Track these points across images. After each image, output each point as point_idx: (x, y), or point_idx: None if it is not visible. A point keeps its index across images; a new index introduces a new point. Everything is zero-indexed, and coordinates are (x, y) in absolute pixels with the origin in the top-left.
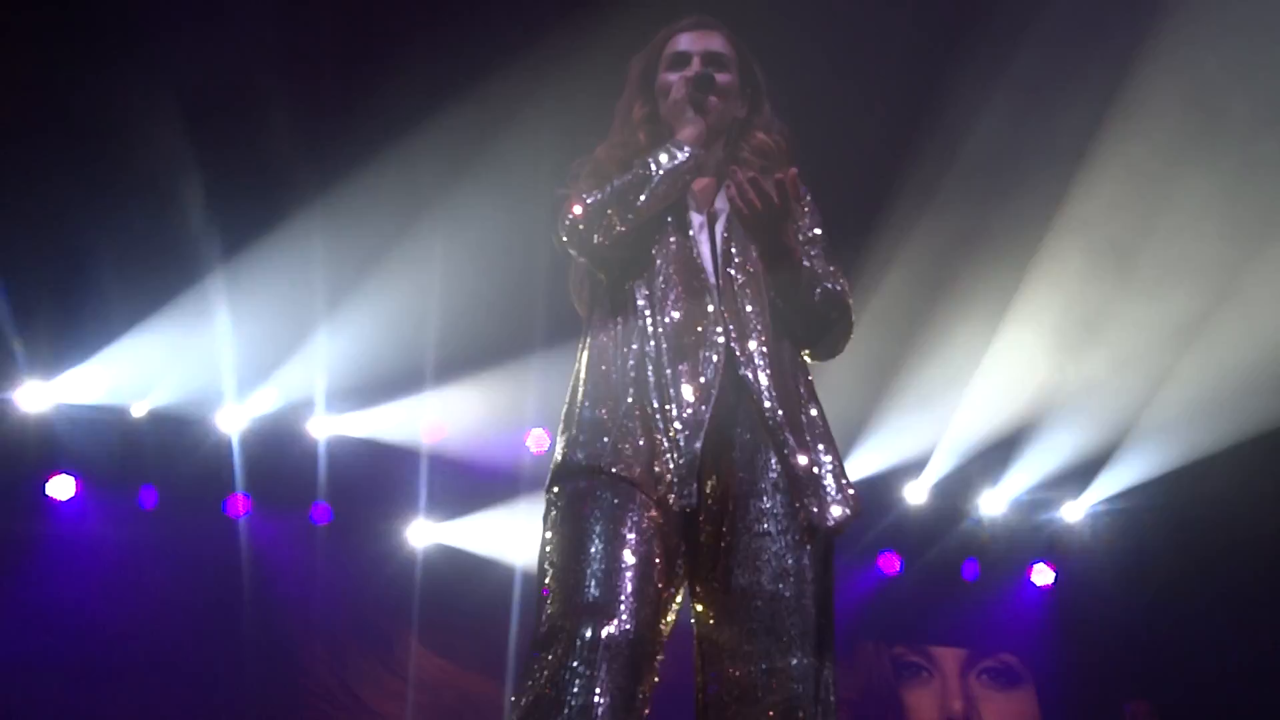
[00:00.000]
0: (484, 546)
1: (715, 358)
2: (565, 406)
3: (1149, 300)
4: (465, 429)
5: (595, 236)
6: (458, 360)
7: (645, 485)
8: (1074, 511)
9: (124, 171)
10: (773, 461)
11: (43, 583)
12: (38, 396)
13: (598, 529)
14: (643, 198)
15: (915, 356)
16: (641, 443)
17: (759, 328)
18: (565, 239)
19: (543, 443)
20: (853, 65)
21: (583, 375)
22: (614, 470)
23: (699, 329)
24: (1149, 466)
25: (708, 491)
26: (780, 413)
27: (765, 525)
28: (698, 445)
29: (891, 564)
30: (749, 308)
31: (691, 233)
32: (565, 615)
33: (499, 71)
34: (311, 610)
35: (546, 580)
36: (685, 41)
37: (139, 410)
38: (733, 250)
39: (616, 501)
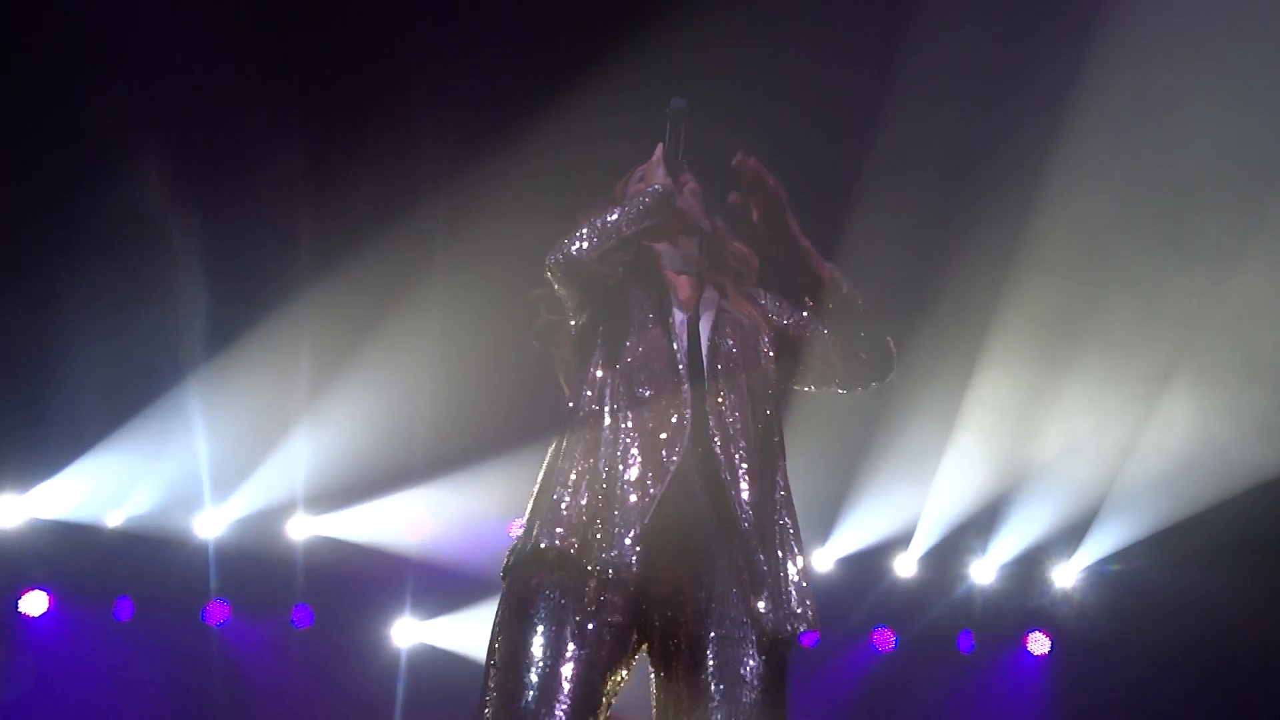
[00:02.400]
0: (470, 645)
1: (677, 450)
2: (540, 481)
3: (1111, 363)
4: (449, 524)
5: (580, 251)
6: (439, 455)
7: (589, 563)
8: (1065, 576)
9: (98, 277)
10: (738, 564)
11: (16, 704)
12: (10, 511)
13: (540, 630)
14: (621, 218)
15: (891, 428)
16: (591, 519)
17: (740, 428)
18: (552, 263)
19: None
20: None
21: (549, 463)
22: (560, 550)
23: (671, 423)
24: (1137, 525)
25: (666, 584)
26: (752, 515)
27: (724, 629)
28: (645, 519)
29: (886, 640)
30: (731, 408)
31: (674, 331)
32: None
33: (483, 160)
34: (293, 715)
35: (490, 680)
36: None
37: (113, 520)
38: (718, 349)
39: (564, 601)
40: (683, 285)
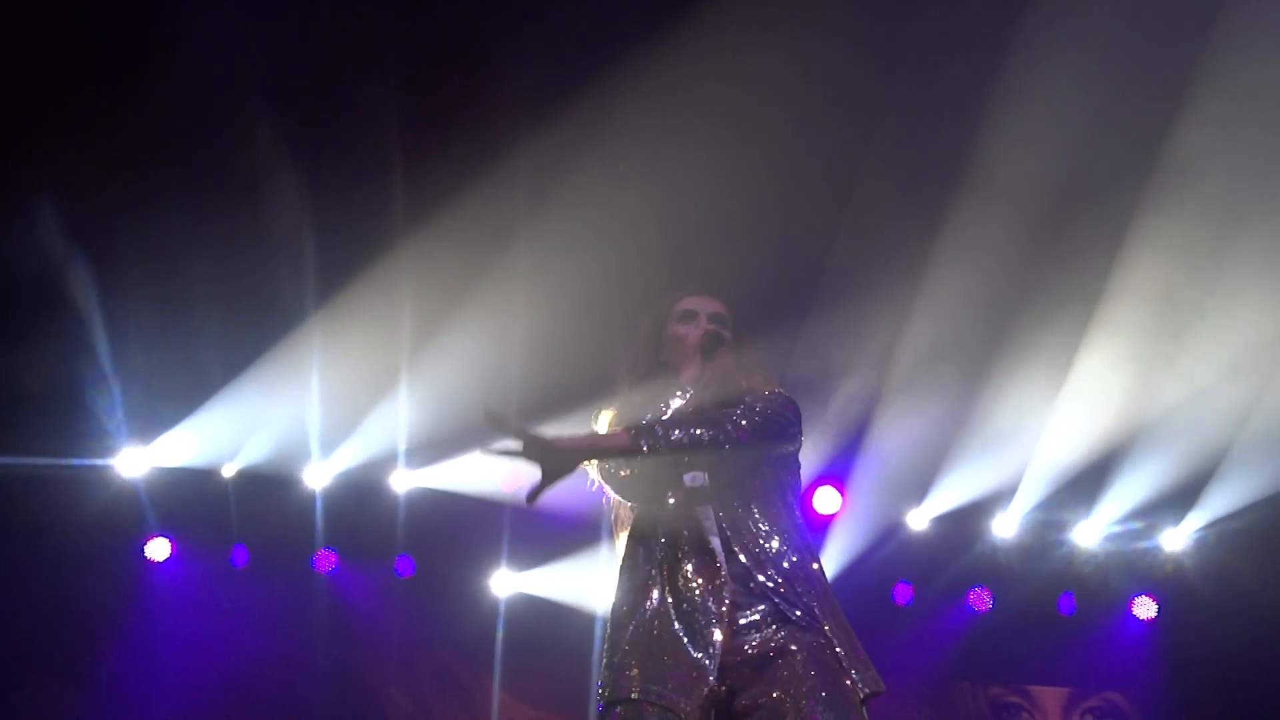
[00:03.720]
0: (565, 593)
1: (725, 602)
2: (607, 634)
3: (1238, 312)
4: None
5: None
6: (535, 407)
7: (678, 708)
8: (1174, 539)
9: (215, 229)
10: (794, 651)
11: (142, 642)
12: (135, 461)
13: None
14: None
15: (994, 388)
16: (673, 673)
17: (760, 558)
18: (605, 486)
19: None
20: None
21: (615, 610)
22: (652, 699)
23: (707, 569)
24: (1251, 487)
25: (736, 704)
26: (798, 612)
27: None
28: (714, 670)
29: (983, 600)
30: (748, 539)
31: (686, 476)
32: None
33: (579, 106)
34: (397, 662)
35: None
36: (693, 303)
37: (229, 470)
38: (723, 493)
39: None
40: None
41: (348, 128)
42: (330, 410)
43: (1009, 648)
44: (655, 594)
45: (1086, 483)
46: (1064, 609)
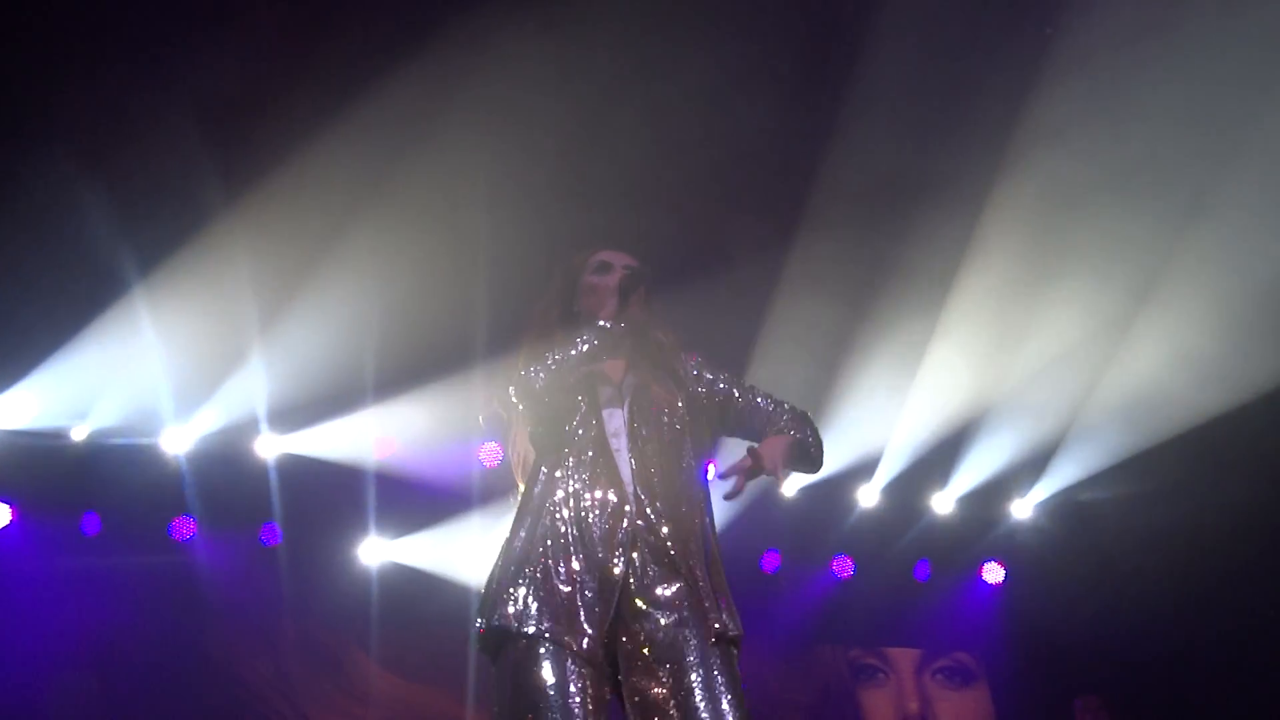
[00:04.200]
0: (437, 563)
1: (626, 521)
2: (494, 565)
3: (1078, 296)
4: (416, 443)
5: (541, 384)
6: (405, 373)
7: (568, 637)
8: (1021, 509)
9: (35, 185)
10: (682, 593)
11: None
12: None
13: (549, 692)
14: (574, 358)
15: (857, 361)
16: (561, 600)
17: (665, 488)
18: (515, 391)
19: (495, 456)
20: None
21: (509, 537)
22: (538, 628)
23: (613, 495)
24: (1091, 462)
25: (624, 638)
26: (681, 551)
27: (679, 641)
28: (613, 601)
29: (845, 567)
30: (654, 471)
31: (604, 411)
32: None
33: (425, 73)
34: (261, 632)
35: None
36: (607, 255)
37: (79, 434)
38: (637, 424)
39: (542, 662)
40: (611, 370)
41: (176, 80)
42: (184, 374)
43: (869, 612)
44: (560, 527)
45: (942, 457)
46: (919, 575)
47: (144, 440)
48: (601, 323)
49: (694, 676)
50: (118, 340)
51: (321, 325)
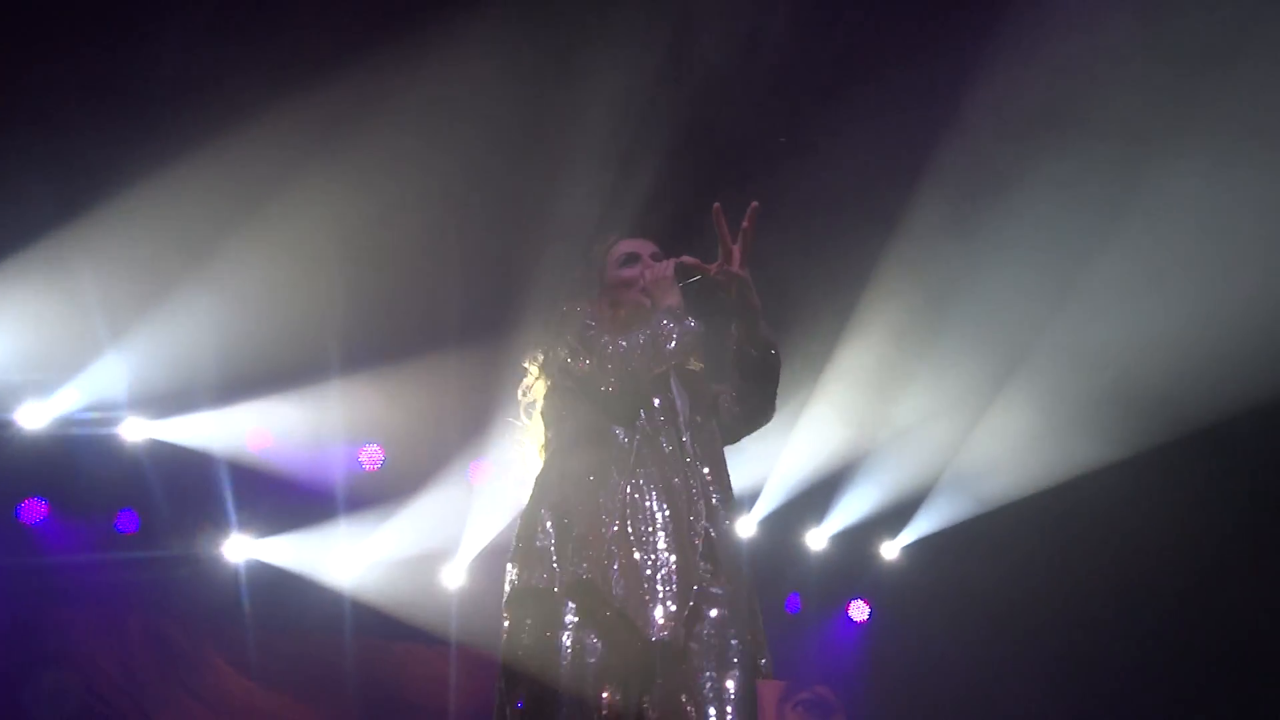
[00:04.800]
0: (306, 564)
1: (701, 530)
2: (516, 540)
3: (952, 364)
4: (292, 440)
5: (630, 361)
6: (288, 369)
7: (595, 610)
8: (890, 550)
9: None
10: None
11: None
12: None
13: (566, 651)
14: (663, 351)
15: None
16: (597, 576)
17: (719, 490)
18: (607, 365)
19: (376, 459)
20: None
21: (532, 512)
22: (559, 591)
23: (674, 494)
24: (955, 510)
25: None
26: (704, 544)
27: (694, 645)
28: (675, 589)
29: None
30: (709, 473)
31: (675, 402)
32: None
33: (319, 73)
34: (111, 627)
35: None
36: (630, 245)
37: None
38: (692, 427)
39: (575, 622)
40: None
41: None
42: (43, 353)
43: None
44: (616, 515)
45: (818, 494)
46: (790, 608)
47: None
48: (690, 322)
49: (710, 688)
50: None
51: (203, 314)
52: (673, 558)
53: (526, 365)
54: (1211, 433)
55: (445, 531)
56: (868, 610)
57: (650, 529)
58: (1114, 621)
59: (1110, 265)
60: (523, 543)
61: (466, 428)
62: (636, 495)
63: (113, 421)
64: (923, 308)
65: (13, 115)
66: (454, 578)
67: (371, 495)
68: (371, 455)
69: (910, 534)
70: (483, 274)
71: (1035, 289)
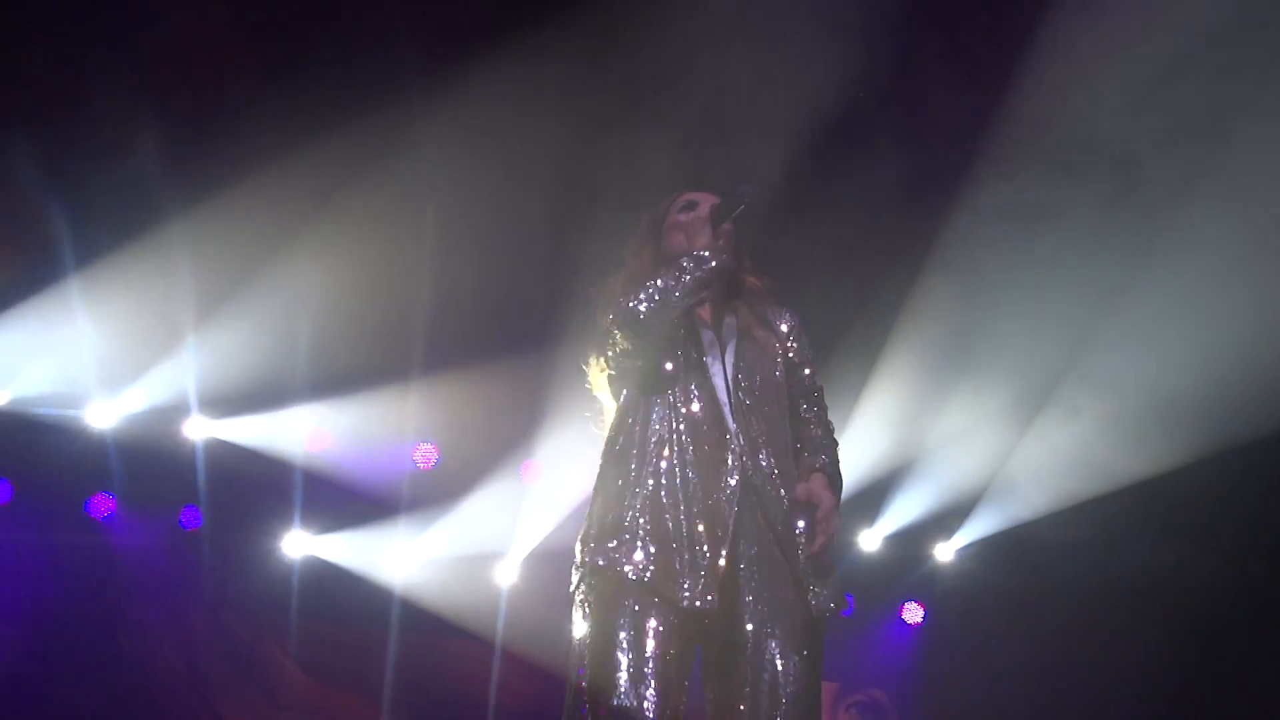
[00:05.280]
0: (363, 563)
1: (734, 478)
2: (590, 509)
3: (1000, 366)
4: (349, 440)
5: (647, 320)
6: (345, 371)
7: (663, 590)
8: (944, 552)
9: None
10: (781, 566)
11: None
12: None
13: (624, 636)
14: (679, 292)
15: None
16: (660, 551)
17: (766, 443)
18: (620, 326)
19: (430, 458)
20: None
21: (606, 483)
22: (634, 575)
23: (717, 445)
24: (1008, 515)
25: (721, 597)
26: (784, 523)
27: (769, 627)
28: (721, 561)
29: None
30: (757, 424)
31: (706, 356)
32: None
33: (381, 88)
34: (178, 622)
35: (583, 680)
36: (693, 195)
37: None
38: (740, 375)
39: (638, 608)
40: (706, 314)
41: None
42: (116, 351)
43: None
44: (663, 476)
45: (872, 495)
46: (844, 610)
47: (67, 412)
48: (702, 252)
49: (774, 647)
50: (54, 315)
51: (264, 315)
52: (696, 528)
53: (584, 367)
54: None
55: (497, 530)
56: (922, 612)
57: (675, 502)
58: (1167, 626)
59: (1152, 281)
60: (599, 524)
61: (518, 427)
62: (660, 468)
63: (177, 420)
64: (969, 320)
65: (94, 133)
66: (505, 576)
67: (426, 493)
68: (425, 454)
69: (965, 536)
70: (533, 274)
71: (1081, 300)
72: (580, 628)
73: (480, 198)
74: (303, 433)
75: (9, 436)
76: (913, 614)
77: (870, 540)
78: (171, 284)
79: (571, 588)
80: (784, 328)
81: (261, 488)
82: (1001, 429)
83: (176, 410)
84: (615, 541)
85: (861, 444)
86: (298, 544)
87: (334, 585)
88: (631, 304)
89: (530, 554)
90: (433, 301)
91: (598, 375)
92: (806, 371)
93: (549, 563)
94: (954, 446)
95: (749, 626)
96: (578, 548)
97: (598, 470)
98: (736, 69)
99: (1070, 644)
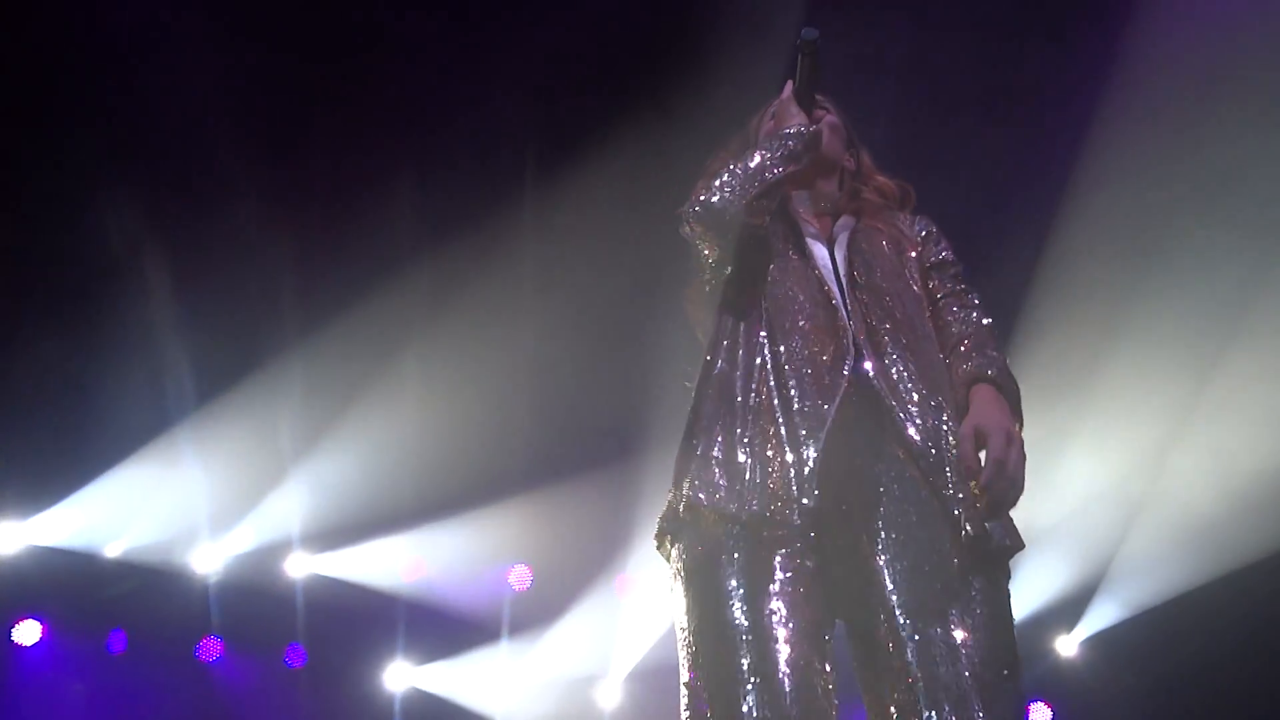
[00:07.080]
0: (463, 692)
1: (845, 371)
2: (682, 442)
3: (1118, 426)
4: (445, 568)
5: (725, 202)
6: (436, 498)
7: (769, 519)
8: (1067, 646)
9: (99, 316)
10: (917, 484)
11: None
12: (8, 538)
13: (738, 610)
14: (765, 163)
15: None
16: (760, 466)
17: (890, 344)
18: (694, 215)
19: (524, 580)
20: None
21: (700, 407)
22: (734, 509)
23: (828, 347)
24: (1133, 600)
25: (838, 517)
26: (920, 434)
27: (902, 539)
28: (817, 449)
29: None
30: (878, 324)
31: (815, 262)
32: None
33: (480, 214)
34: None
35: (696, 674)
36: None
37: (112, 551)
38: (856, 272)
39: (746, 561)
40: (815, 222)
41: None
42: (220, 495)
43: None
44: (761, 388)
45: None
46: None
47: (175, 559)
48: (797, 126)
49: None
50: (163, 463)
51: (361, 449)
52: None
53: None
54: None
55: (596, 649)
56: (1050, 713)
57: (774, 417)
58: None
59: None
60: (691, 459)
61: (609, 542)
62: (753, 380)
63: (280, 558)
64: (1073, 373)
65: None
66: (608, 698)
67: (523, 616)
68: (520, 576)
69: (1086, 628)
70: (618, 393)
71: (1201, 348)
72: (681, 610)
73: (565, 319)
74: (400, 562)
75: (122, 586)
76: (1040, 715)
77: None
78: (274, 422)
79: (662, 548)
80: (920, 232)
81: (361, 621)
82: (1115, 507)
83: (279, 548)
84: (709, 474)
85: None
86: (399, 676)
87: (436, 716)
88: (703, 195)
89: (631, 673)
90: (524, 424)
91: (695, 303)
92: (952, 272)
93: (650, 680)
94: (1070, 525)
95: (884, 575)
96: (669, 497)
97: (691, 403)
98: None
99: None
